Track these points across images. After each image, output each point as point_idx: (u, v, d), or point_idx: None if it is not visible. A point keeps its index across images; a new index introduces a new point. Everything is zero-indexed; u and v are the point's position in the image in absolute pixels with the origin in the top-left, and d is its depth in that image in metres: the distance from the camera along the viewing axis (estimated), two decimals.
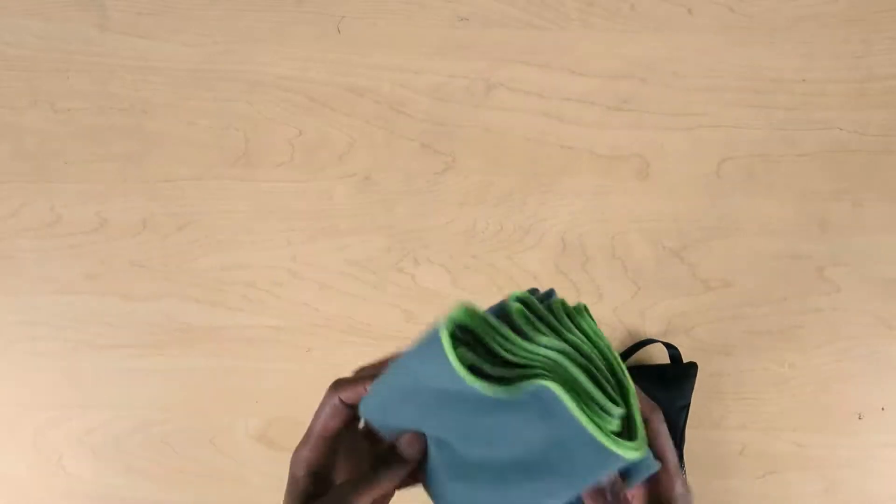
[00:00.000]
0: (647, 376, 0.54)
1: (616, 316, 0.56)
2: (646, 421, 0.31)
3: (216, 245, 0.55)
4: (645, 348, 0.56)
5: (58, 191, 0.55)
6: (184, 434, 0.56)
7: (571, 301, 0.31)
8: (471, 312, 0.28)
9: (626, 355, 0.56)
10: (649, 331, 0.56)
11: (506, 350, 0.30)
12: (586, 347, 0.31)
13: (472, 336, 0.30)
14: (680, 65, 0.57)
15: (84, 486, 0.55)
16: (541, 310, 0.31)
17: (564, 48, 0.57)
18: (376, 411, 0.32)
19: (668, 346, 0.55)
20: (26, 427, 0.55)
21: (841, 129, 0.57)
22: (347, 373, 0.32)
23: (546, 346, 0.30)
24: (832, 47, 0.57)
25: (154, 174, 0.55)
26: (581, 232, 0.56)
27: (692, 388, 0.54)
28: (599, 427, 0.28)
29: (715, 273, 0.57)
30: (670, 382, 0.54)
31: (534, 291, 0.31)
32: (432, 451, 0.33)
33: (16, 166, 0.55)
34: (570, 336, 0.31)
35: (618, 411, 0.29)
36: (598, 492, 0.30)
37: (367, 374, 0.32)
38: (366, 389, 0.32)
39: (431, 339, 0.28)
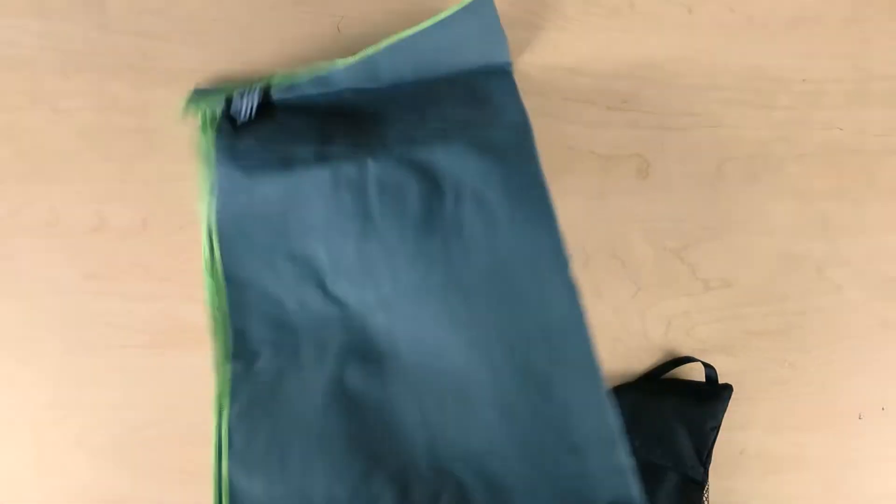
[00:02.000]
0: (681, 392, 0.54)
1: (616, 316, 0.56)
2: None
3: None
4: (665, 365, 0.56)
5: (58, 191, 0.55)
6: (184, 434, 0.56)
7: None
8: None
9: (662, 370, 0.56)
10: (649, 330, 0.56)
11: None
12: None
13: None
14: (680, 65, 0.57)
15: (84, 486, 0.55)
16: None
17: (564, 48, 0.57)
18: None
19: (706, 365, 0.55)
20: (26, 427, 0.55)
21: (841, 129, 0.57)
22: None
23: None
24: (832, 47, 0.57)
25: (154, 174, 0.55)
26: (581, 232, 0.56)
27: (724, 410, 0.54)
28: None
29: (715, 273, 0.57)
30: (703, 401, 0.54)
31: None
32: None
33: (16, 166, 0.55)
34: None
35: None
36: None
37: None
38: None
39: None
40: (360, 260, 0.47)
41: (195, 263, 0.56)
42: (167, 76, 0.55)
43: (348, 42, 0.55)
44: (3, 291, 0.55)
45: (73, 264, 0.55)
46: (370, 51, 0.52)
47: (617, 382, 0.56)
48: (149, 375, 0.55)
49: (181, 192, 0.55)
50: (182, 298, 0.55)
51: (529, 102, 0.56)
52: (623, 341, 0.56)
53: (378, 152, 0.46)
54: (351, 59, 0.52)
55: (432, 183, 0.46)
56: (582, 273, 0.56)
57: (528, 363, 0.45)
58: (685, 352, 0.56)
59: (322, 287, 0.48)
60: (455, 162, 0.46)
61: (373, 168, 0.45)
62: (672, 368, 0.56)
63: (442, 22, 0.51)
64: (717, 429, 0.53)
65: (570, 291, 0.45)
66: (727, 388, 0.54)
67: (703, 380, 0.56)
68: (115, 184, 0.55)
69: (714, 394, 0.54)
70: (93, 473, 0.56)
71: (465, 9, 0.51)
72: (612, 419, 0.43)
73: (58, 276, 0.55)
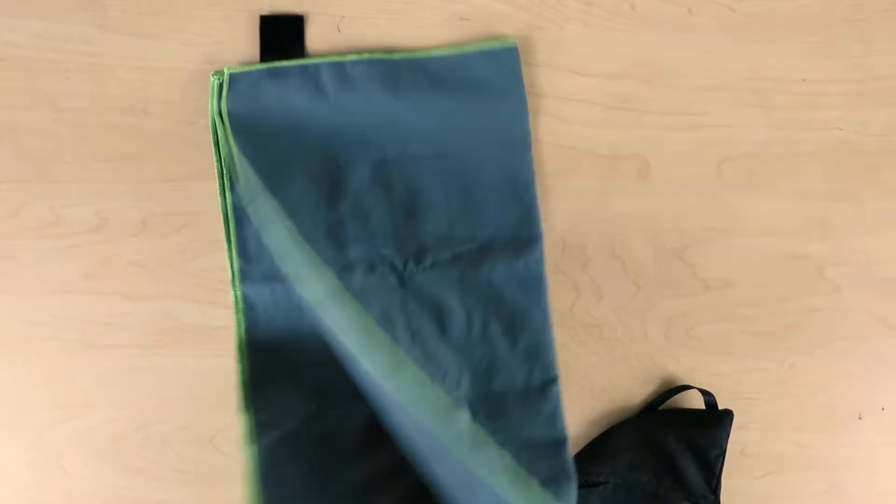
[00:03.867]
0: (683, 422, 0.54)
1: (616, 316, 0.56)
2: None
3: (216, 245, 0.55)
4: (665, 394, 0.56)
5: (58, 191, 0.55)
6: (184, 434, 0.56)
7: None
8: None
9: (659, 401, 0.55)
10: (649, 330, 0.56)
11: None
12: None
13: None
14: (680, 65, 0.57)
15: (84, 486, 0.55)
16: None
17: (564, 48, 0.57)
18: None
19: (704, 392, 0.55)
20: (26, 427, 0.55)
21: (841, 129, 0.57)
22: None
23: None
24: (832, 47, 0.57)
25: (154, 174, 0.55)
26: (581, 232, 0.56)
27: (727, 436, 0.53)
28: None
29: (715, 273, 0.57)
30: (706, 429, 0.53)
31: None
32: None
33: (16, 166, 0.55)
34: None
35: None
36: None
37: None
38: None
39: None
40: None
41: (195, 263, 0.56)
42: (168, 76, 0.55)
43: (348, 42, 0.56)
44: (3, 291, 0.55)
45: (73, 264, 0.55)
46: (394, 55, 0.54)
47: (617, 384, 0.56)
48: (149, 375, 0.55)
49: (181, 192, 0.56)
50: (182, 298, 0.55)
51: (530, 102, 0.56)
52: (623, 341, 0.56)
53: (413, 265, 0.54)
54: (376, 54, 0.54)
55: (459, 300, 0.54)
56: (582, 273, 0.56)
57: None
58: (685, 352, 0.56)
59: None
60: (482, 292, 0.54)
61: (415, 285, 0.54)
62: (670, 397, 0.55)
63: (465, 56, 0.54)
64: (722, 455, 0.53)
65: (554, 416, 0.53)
66: (728, 414, 0.54)
67: (701, 405, 0.55)
68: (115, 184, 0.55)
69: (715, 420, 0.54)
70: (93, 473, 0.56)
71: (487, 53, 0.54)
72: None
73: (58, 276, 0.55)
